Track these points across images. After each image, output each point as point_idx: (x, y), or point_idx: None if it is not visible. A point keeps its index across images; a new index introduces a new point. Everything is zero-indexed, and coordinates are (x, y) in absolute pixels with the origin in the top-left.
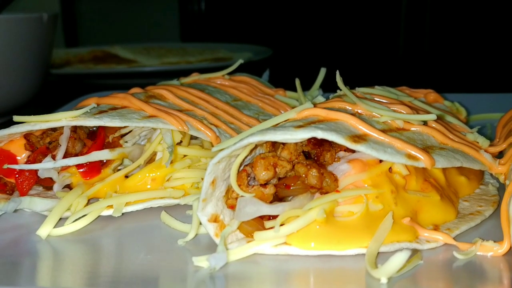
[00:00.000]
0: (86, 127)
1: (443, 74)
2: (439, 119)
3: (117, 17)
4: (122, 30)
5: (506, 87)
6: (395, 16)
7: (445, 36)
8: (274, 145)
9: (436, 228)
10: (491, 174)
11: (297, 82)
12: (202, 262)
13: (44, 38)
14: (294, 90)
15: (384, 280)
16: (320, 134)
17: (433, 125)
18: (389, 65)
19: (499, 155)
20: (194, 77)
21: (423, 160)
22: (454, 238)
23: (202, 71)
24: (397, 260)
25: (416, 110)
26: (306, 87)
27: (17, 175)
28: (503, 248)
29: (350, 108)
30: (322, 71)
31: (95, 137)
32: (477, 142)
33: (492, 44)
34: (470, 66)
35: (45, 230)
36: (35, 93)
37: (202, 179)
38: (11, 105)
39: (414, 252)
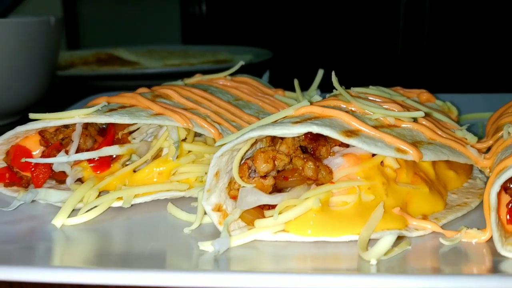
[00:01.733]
0: (96, 124)
1: (439, 75)
2: (429, 117)
3: (118, 20)
4: (123, 33)
5: (501, 88)
6: (394, 19)
7: (443, 38)
8: (273, 140)
9: (424, 217)
10: (480, 170)
11: (296, 82)
12: (207, 246)
13: (51, 40)
14: (293, 90)
15: (373, 261)
16: (315, 129)
17: (423, 122)
18: (387, 67)
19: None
20: (197, 78)
21: (411, 154)
22: (441, 227)
23: (204, 73)
24: (385, 243)
25: (407, 109)
26: (305, 88)
27: (32, 169)
28: (485, 235)
29: (344, 106)
30: (320, 72)
31: (105, 134)
32: (466, 139)
33: (488, 46)
34: (466, 68)
35: (59, 220)
36: (43, 94)
37: (206, 173)
38: (20, 106)
39: (404, 239)
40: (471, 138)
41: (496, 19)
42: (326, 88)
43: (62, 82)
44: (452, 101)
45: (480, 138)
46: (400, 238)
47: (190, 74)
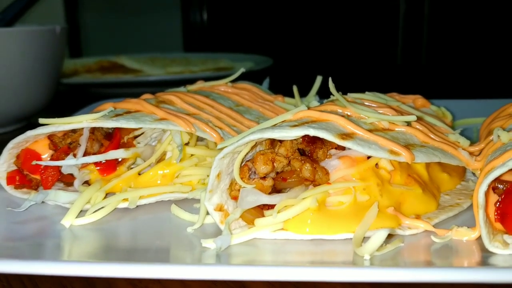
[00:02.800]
0: (103, 129)
1: (437, 82)
2: (423, 121)
3: (120, 28)
4: (126, 42)
5: (497, 94)
6: (393, 27)
7: (441, 45)
8: (273, 143)
9: (417, 217)
10: (473, 173)
11: (295, 88)
12: (209, 243)
13: (57, 49)
14: (293, 97)
15: (367, 256)
16: (312, 132)
17: (417, 126)
18: (386, 74)
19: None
20: (200, 85)
21: (403, 155)
22: (434, 226)
23: (205, 80)
24: (378, 238)
25: (401, 113)
26: (304, 94)
27: (42, 171)
28: (475, 233)
29: (340, 111)
30: (318, 79)
31: (112, 138)
32: (459, 142)
33: (484, 52)
34: (464, 74)
35: (68, 220)
36: (48, 101)
37: (208, 175)
38: (26, 112)
39: (397, 237)
40: (463, 142)
41: (492, 27)
42: (324, 94)
43: (67, 89)
44: (448, 106)
45: (474, 143)
46: (394, 237)
47: (191, 81)
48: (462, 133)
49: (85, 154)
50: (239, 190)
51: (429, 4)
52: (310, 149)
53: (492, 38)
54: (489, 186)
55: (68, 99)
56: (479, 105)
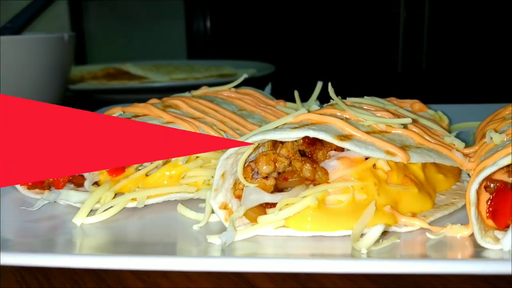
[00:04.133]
0: None
1: (437, 88)
2: (419, 124)
3: (124, 36)
4: (130, 49)
5: (495, 98)
6: (393, 34)
7: (441, 51)
8: (274, 144)
9: (413, 215)
10: (468, 174)
11: (296, 93)
12: (214, 239)
13: (65, 56)
14: (294, 102)
15: (364, 250)
16: (311, 133)
17: (413, 129)
18: (386, 81)
19: None
20: (204, 90)
21: (399, 156)
22: (429, 223)
23: (209, 86)
24: (374, 233)
25: (398, 117)
26: (305, 100)
27: None
28: (468, 230)
29: (339, 114)
30: (319, 85)
31: None
32: (454, 145)
33: (484, 57)
34: (464, 79)
35: (79, 218)
36: None
37: (212, 176)
38: None
39: (393, 234)
40: (458, 144)
41: (489, 35)
42: (325, 100)
43: (73, 95)
44: (445, 111)
45: (471, 145)
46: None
47: (195, 87)
48: (458, 136)
49: None
50: (242, 189)
51: (429, 12)
52: (310, 150)
53: (489, 45)
54: (480, 184)
55: (75, 105)
56: (476, 109)
